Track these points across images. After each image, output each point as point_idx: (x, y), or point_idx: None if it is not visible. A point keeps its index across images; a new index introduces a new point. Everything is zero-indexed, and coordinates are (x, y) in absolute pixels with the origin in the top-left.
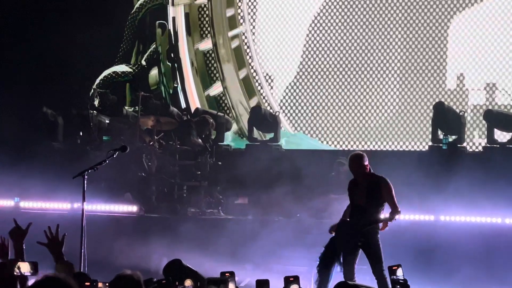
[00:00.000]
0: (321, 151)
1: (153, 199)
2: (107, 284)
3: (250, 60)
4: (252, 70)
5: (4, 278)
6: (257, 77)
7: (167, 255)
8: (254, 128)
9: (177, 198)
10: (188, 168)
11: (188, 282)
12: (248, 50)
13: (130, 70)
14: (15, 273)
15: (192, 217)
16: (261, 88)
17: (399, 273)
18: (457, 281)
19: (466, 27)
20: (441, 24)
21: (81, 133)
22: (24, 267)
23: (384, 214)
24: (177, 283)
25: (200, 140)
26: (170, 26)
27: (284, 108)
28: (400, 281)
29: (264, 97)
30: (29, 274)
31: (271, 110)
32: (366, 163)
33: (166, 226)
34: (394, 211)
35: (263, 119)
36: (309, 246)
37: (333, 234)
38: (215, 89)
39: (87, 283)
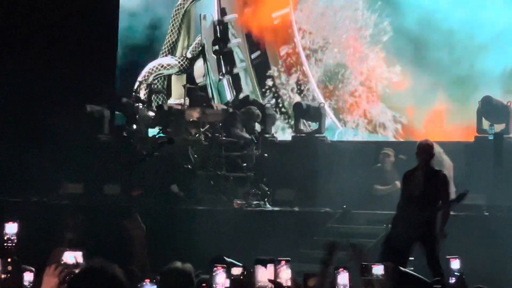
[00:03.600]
0: (367, 142)
1: (199, 191)
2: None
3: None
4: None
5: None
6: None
7: (213, 248)
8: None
9: (223, 190)
10: (234, 160)
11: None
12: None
13: (176, 62)
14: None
15: (238, 209)
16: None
17: (456, 265)
18: None
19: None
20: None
21: (127, 126)
22: (70, 256)
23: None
24: None
25: (245, 132)
26: (215, 18)
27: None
28: (456, 273)
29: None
30: (76, 263)
31: (314, 103)
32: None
33: (211, 218)
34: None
35: (305, 113)
36: (356, 236)
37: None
38: None
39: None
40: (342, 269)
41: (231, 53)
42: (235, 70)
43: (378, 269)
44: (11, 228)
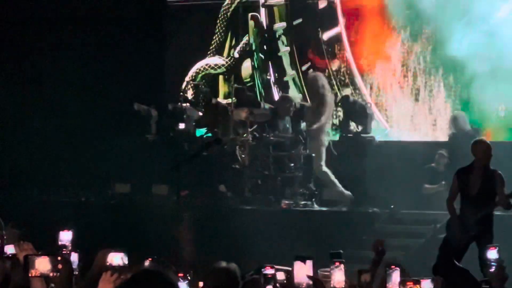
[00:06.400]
0: (417, 143)
1: (247, 191)
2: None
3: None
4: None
5: None
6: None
7: (260, 248)
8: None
9: (270, 190)
10: (282, 160)
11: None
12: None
13: (223, 62)
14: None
15: (286, 209)
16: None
17: (493, 255)
18: None
19: None
20: None
21: (175, 127)
22: (115, 258)
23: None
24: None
25: (293, 132)
26: (263, 18)
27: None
28: (492, 263)
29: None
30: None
31: (361, 101)
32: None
33: (259, 218)
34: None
35: (352, 109)
36: (404, 236)
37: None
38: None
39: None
40: (393, 266)
41: (280, 59)
42: (285, 78)
43: (426, 283)
44: (66, 236)
